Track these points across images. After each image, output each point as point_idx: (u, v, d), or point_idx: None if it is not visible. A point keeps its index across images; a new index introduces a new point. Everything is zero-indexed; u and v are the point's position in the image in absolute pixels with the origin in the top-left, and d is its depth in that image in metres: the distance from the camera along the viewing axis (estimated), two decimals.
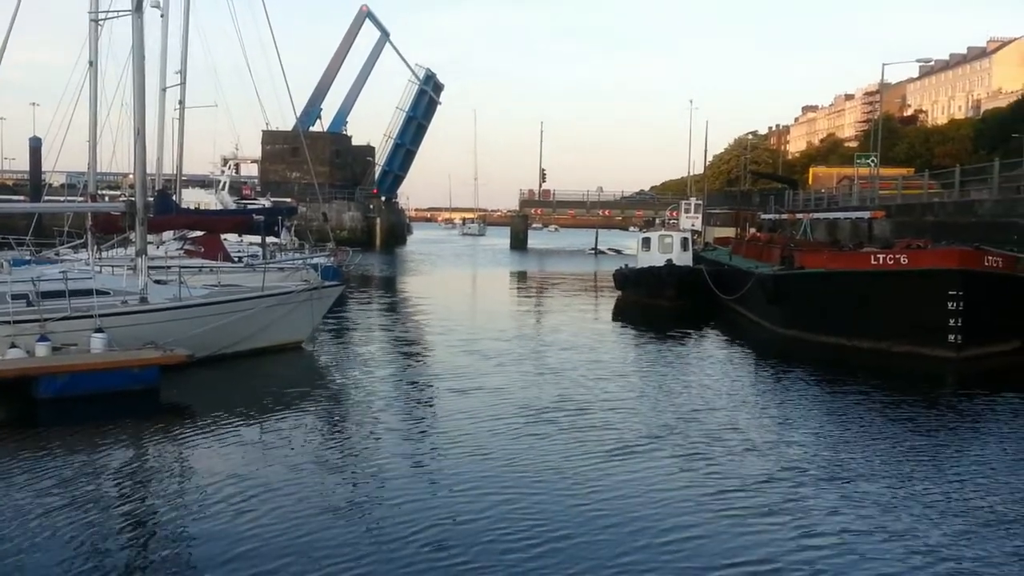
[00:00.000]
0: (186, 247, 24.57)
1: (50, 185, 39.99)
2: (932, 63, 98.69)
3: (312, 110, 76.28)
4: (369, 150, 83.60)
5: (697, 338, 22.82)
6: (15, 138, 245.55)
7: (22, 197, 53.57)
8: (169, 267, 18.62)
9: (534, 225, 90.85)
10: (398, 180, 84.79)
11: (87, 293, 14.79)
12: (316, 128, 76.72)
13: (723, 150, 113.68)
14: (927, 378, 17.04)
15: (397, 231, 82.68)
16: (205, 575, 7.21)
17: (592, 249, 73.33)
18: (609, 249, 72.03)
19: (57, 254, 22.45)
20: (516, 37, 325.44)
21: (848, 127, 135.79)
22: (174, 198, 26.38)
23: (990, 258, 18.88)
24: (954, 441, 12.12)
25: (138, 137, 16.80)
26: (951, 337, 18.08)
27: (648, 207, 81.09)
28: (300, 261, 23.21)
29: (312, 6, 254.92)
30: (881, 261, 19.32)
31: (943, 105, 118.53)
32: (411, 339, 22.03)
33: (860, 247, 24.32)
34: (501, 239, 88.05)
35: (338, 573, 7.26)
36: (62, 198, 41.83)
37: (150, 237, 19.58)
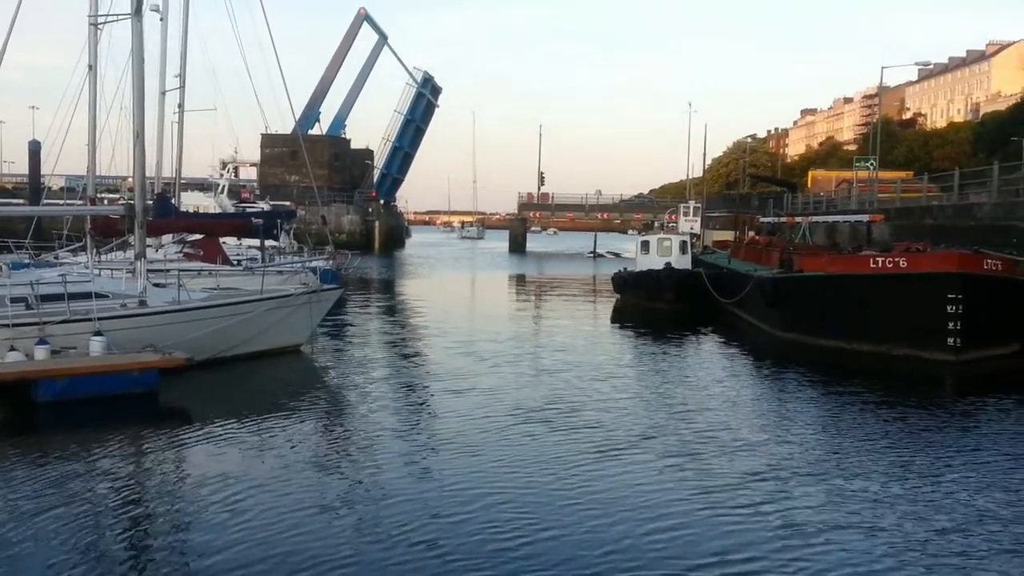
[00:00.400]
0: (185, 250, 24.59)
1: (49, 188, 40.05)
2: (931, 66, 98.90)
3: (311, 113, 76.31)
4: (368, 153, 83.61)
5: (695, 341, 22.81)
6: (14, 141, 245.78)
7: (21, 200, 53.71)
8: (168, 270, 18.62)
9: (533, 228, 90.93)
10: (397, 183, 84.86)
11: (86, 296, 14.80)
12: (315, 131, 76.79)
13: (722, 153, 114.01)
14: (926, 381, 17.04)
15: (396, 234, 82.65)
16: None
17: (591, 252, 73.25)
18: (608, 252, 71.93)
19: (56, 257, 22.42)
20: (515, 38, 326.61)
21: (847, 130, 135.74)
22: (173, 201, 26.41)
23: (989, 261, 18.88)
24: (950, 442, 12.11)
25: (137, 140, 16.81)
26: (950, 340, 18.08)
27: (647, 210, 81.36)
28: (299, 264, 23.23)
29: (310, 9, 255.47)
30: (880, 264, 19.33)
31: (942, 108, 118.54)
32: (409, 342, 22.02)
33: (859, 250, 24.28)
34: (500, 242, 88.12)
35: (332, 572, 7.32)
36: (61, 201, 41.95)
37: (149, 240, 19.59)
